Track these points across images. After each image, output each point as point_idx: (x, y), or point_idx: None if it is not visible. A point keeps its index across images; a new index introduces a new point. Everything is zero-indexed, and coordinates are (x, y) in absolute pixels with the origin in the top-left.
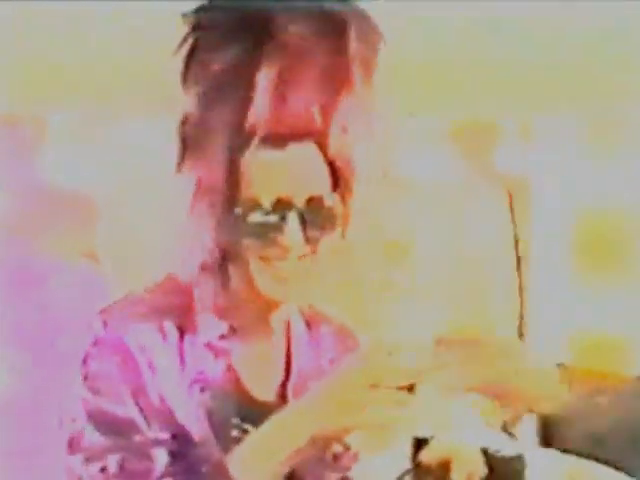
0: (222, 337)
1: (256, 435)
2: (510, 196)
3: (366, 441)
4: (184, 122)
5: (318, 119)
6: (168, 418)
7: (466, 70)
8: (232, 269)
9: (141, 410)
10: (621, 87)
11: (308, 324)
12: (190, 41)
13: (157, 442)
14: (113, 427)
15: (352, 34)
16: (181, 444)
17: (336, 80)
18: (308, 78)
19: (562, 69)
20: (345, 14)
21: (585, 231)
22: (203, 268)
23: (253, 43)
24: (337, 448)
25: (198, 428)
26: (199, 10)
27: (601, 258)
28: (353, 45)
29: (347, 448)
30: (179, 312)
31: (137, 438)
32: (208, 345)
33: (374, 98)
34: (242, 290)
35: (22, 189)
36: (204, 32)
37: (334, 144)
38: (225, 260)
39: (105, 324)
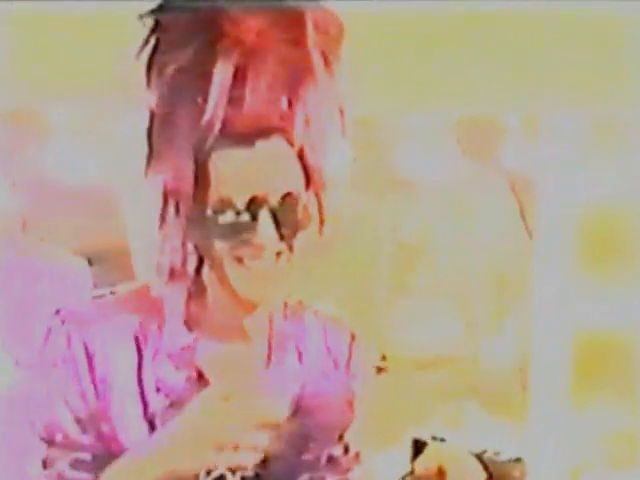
0: (187, 348)
1: (123, 459)
2: (517, 193)
3: (366, 441)
4: (150, 123)
5: (281, 114)
6: (99, 424)
7: (470, 66)
8: (207, 273)
9: (73, 414)
10: (628, 85)
11: (293, 320)
12: (151, 42)
13: (81, 447)
14: (48, 428)
15: (309, 25)
16: (109, 450)
17: (296, 73)
18: (267, 73)
19: (568, 65)
20: (301, 6)
21: (590, 228)
22: (173, 274)
23: (208, 41)
24: (335, 450)
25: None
26: (154, 11)
27: (606, 255)
28: (311, 36)
29: (346, 450)
30: (144, 319)
31: (62, 440)
32: (170, 355)
33: (338, 90)
34: (218, 295)
35: (24, 185)
36: (162, 33)
37: (300, 138)
38: (199, 265)
39: (62, 324)
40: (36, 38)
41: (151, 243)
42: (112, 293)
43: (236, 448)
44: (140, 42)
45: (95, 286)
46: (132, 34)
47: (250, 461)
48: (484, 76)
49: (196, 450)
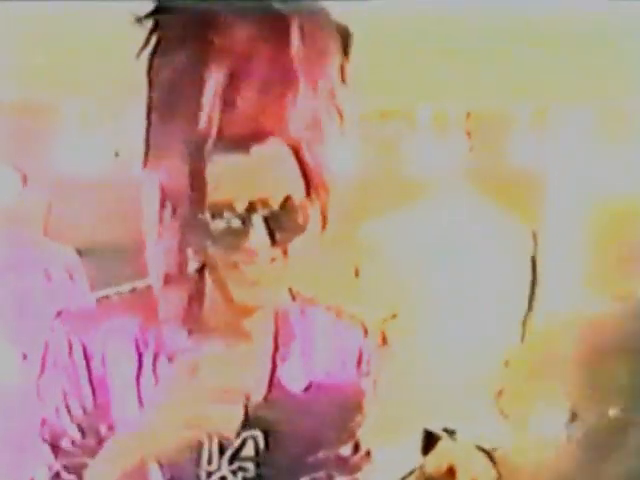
0: (186, 350)
1: (98, 457)
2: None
3: (376, 438)
4: (147, 120)
5: (275, 117)
6: (98, 426)
7: (477, 57)
8: (207, 277)
9: (71, 416)
10: (638, 77)
11: (301, 316)
12: (152, 42)
13: (83, 450)
14: (53, 433)
15: (294, 33)
16: None
17: (281, 80)
18: (258, 77)
19: (578, 58)
20: (288, 13)
21: (601, 223)
22: (168, 277)
23: (200, 47)
24: (344, 450)
25: None
26: (150, 14)
27: (617, 251)
28: (295, 44)
29: (356, 449)
30: (146, 320)
31: (68, 446)
32: (170, 358)
33: (331, 91)
34: (216, 298)
35: (35, 178)
36: (161, 33)
37: (296, 140)
38: (201, 269)
39: (62, 326)
40: (47, 30)
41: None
42: (118, 294)
43: (209, 420)
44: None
45: (104, 282)
46: (137, 32)
47: (230, 429)
48: (493, 68)
49: (173, 426)
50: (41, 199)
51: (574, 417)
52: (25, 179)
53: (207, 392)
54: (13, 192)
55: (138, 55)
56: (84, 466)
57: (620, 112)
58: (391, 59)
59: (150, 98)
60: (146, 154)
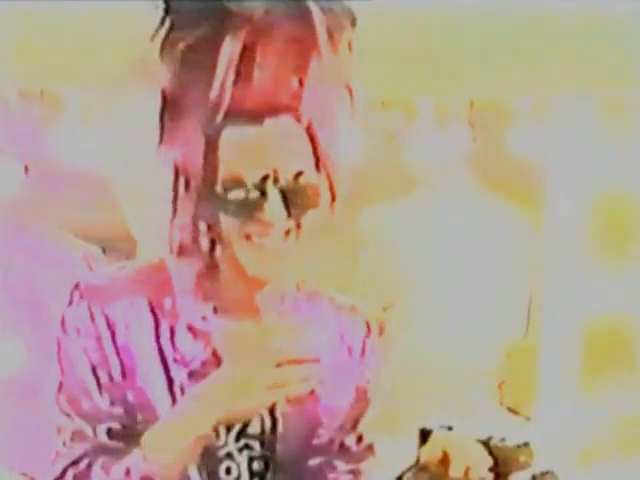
0: (203, 319)
1: (164, 419)
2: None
3: (379, 431)
4: (162, 103)
5: (290, 93)
6: (125, 395)
7: (480, 49)
8: (219, 251)
9: (99, 385)
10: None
11: (306, 305)
12: (166, 24)
13: (110, 416)
14: (71, 397)
15: (314, 4)
16: (133, 420)
17: (303, 49)
18: (275, 50)
19: (580, 50)
20: None
21: (602, 215)
22: (182, 249)
23: (216, 20)
24: (348, 439)
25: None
26: None
27: (618, 241)
28: (316, 14)
29: (359, 439)
30: (161, 292)
31: (89, 410)
32: (188, 327)
33: (344, 68)
34: (228, 271)
35: (35, 167)
36: (175, 13)
37: (307, 116)
38: (211, 241)
39: (80, 297)
40: (50, 20)
41: (155, 226)
42: (129, 268)
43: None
44: (154, 24)
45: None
46: (145, 15)
47: (304, 390)
48: (495, 60)
49: (249, 393)
50: (42, 189)
51: None
52: (26, 169)
53: None
54: (15, 182)
55: (153, 37)
56: (116, 431)
57: (622, 104)
58: (394, 49)
59: (164, 76)
60: (161, 133)
